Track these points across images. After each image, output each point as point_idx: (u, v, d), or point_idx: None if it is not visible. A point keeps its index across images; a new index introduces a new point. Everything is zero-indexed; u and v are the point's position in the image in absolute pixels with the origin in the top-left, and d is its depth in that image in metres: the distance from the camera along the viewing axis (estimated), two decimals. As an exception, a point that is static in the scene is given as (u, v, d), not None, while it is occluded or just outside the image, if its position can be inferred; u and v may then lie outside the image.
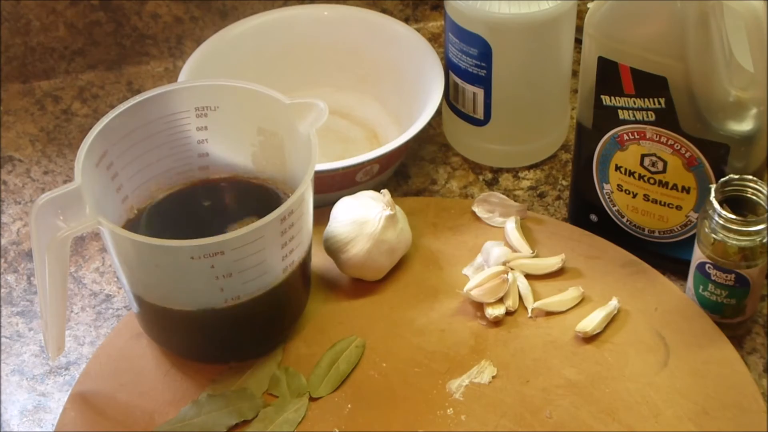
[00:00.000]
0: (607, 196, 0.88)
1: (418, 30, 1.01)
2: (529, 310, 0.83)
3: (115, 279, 0.90)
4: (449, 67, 0.95)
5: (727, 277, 0.80)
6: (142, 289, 0.77)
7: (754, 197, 0.79)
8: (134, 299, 0.79)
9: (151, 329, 0.81)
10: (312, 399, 0.79)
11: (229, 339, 0.80)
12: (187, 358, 0.81)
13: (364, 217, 0.84)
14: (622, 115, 0.82)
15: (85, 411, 0.79)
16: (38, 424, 0.81)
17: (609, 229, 0.89)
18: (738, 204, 0.80)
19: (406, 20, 1.10)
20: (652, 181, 0.84)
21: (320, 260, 0.86)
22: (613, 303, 0.83)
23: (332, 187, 0.89)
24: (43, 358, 0.85)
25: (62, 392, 0.82)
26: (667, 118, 0.80)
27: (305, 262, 0.80)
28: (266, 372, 0.80)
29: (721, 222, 0.78)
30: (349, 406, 0.78)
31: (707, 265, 0.80)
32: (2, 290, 0.90)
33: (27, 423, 0.81)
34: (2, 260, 0.93)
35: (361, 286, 0.86)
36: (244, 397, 0.78)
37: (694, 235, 0.82)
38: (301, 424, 0.77)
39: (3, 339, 0.87)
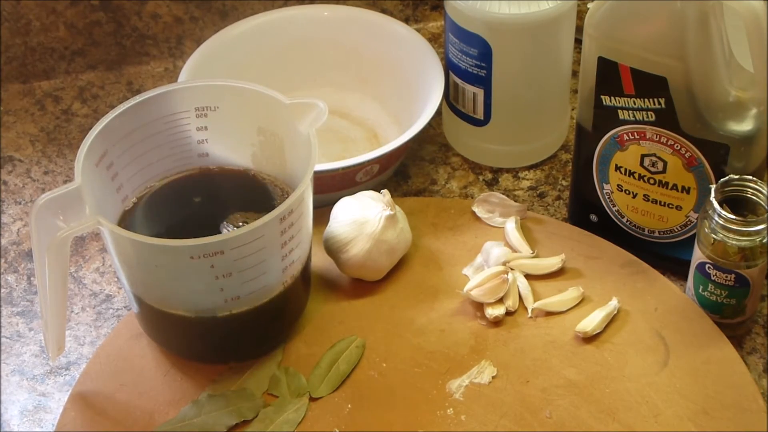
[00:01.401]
0: (607, 196, 0.88)
1: (418, 30, 1.01)
2: (529, 310, 0.83)
3: (115, 279, 0.90)
4: (449, 67, 0.95)
5: (727, 277, 0.80)
6: (141, 289, 0.77)
7: (753, 197, 0.79)
8: (134, 299, 0.79)
9: (151, 329, 0.81)
10: (312, 399, 0.79)
11: (228, 339, 0.80)
12: (187, 359, 0.81)
13: (364, 217, 0.84)
14: (622, 115, 0.82)
15: (85, 411, 0.79)
16: (38, 424, 0.81)
17: (609, 229, 0.89)
18: (738, 204, 0.80)
19: (406, 20, 1.10)
20: (652, 181, 0.84)
21: (320, 260, 0.86)
22: (613, 303, 0.83)
23: (332, 187, 0.89)
24: (44, 358, 0.85)
25: (62, 392, 0.82)
26: (667, 118, 0.80)
27: (305, 262, 0.80)
28: (266, 372, 0.80)
29: (721, 222, 0.78)
30: (349, 406, 0.78)
31: (707, 265, 0.80)
32: (2, 290, 0.90)
33: (27, 423, 0.81)
34: (2, 260, 0.93)
35: (361, 286, 0.86)
36: (244, 397, 0.78)
37: (694, 236, 0.82)
38: (301, 424, 0.77)
39: (3, 339, 0.87)
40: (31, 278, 0.91)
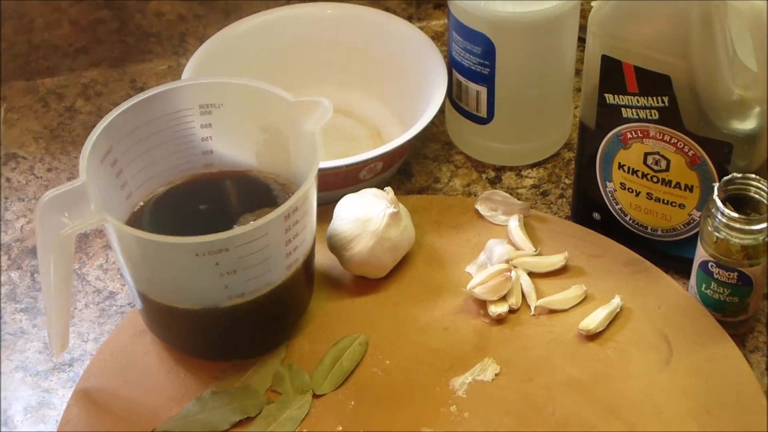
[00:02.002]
0: (610, 195, 0.88)
1: (421, 28, 1.01)
2: (532, 308, 0.83)
3: (119, 276, 0.90)
4: (453, 65, 0.95)
5: (729, 275, 0.80)
6: (146, 285, 0.78)
7: (756, 196, 0.79)
8: (138, 296, 0.79)
9: (154, 326, 0.82)
10: (315, 396, 0.79)
11: (232, 336, 0.80)
12: (190, 356, 0.81)
13: (367, 215, 0.84)
14: (626, 113, 0.82)
15: (89, 407, 0.79)
16: (42, 420, 0.81)
17: (612, 227, 0.89)
18: (741, 202, 0.80)
19: (410, 18, 1.10)
20: (655, 179, 0.84)
21: (324, 258, 0.86)
22: (616, 301, 0.83)
23: (336, 184, 0.89)
24: (47, 354, 0.85)
25: (66, 389, 0.83)
26: (670, 117, 0.80)
27: (309, 260, 0.80)
28: (270, 369, 0.80)
29: (723, 220, 0.78)
30: (352, 403, 0.78)
31: (710, 264, 0.80)
32: (6, 287, 0.90)
33: (31, 419, 0.81)
34: (6, 257, 0.93)
35: (364, 283, 0.86)
36: (247, 394, 0.78)
37: (697, 234, 0.82)
38: (304, 422, 0.77)
39: (7, 336, 0.87)
40: (35, 275, 0.91)
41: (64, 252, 0.74)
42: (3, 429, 0.81)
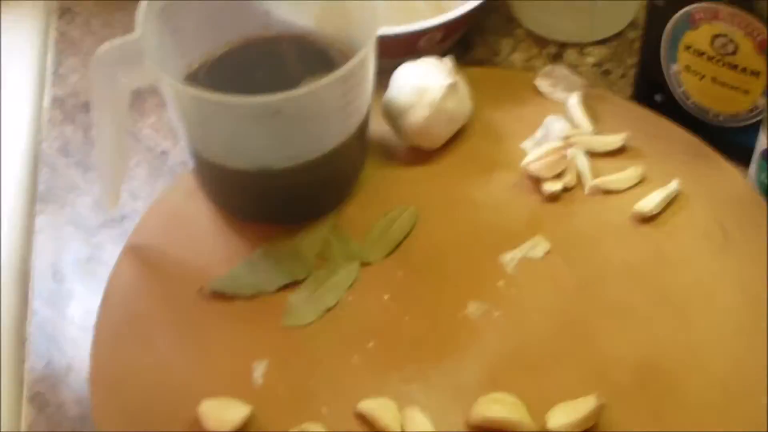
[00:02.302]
0: (673, 77, 0.86)
1: None
2: (587, 188, 0.82)
3: (172, 135, 0.90)
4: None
5: (792, 164, 0.78)
6: (199, 144, 0.77)
7: (827, 84, 0.77)
8: (191, 155, 0.78)
9: (206, 186, 0.81)
10: (363, 264, 0.79)
11: (284, 200, 0.79)
12: (241, 218, 0.81)
13: (425, 85, 0.82)
14: (697, -8, 0.80)
15: (138, 264, 0.79)
16: (91, 273, 0.82)
17: (673, 110, 0.87)
18: (810, 90, 0.78)
19: None
20: (721, 63, 0.82)
21: (378, 126, 0.85)
22: (673, 185, 0.81)
23: (394, 53, 0.88)
24: (98, 210, 0.86)
25: (115, 244, 0.83)
26: (742, -2, 0.78)
27: (363, 126, 0.79)
28: (319, 235, 0.80)
29: (790, 107, 0.76)
30: (400, 273, 0.78)
31: (773, 152, 0.79)
32: (59, 141, 0.90)
33: (80, 272, 0.82)
34: (59, 111, 0.93)
35: (418, 154, 0.85)
36: (296, 258, 0.78)
37: (759, 121, 0.80)
38: (351, 288, 0.77)
39: (58, 190, 0.87)
40: (88, 130, 0.91)
41: (119, 107, 0.74)
42: (54, 280, 0.82)
